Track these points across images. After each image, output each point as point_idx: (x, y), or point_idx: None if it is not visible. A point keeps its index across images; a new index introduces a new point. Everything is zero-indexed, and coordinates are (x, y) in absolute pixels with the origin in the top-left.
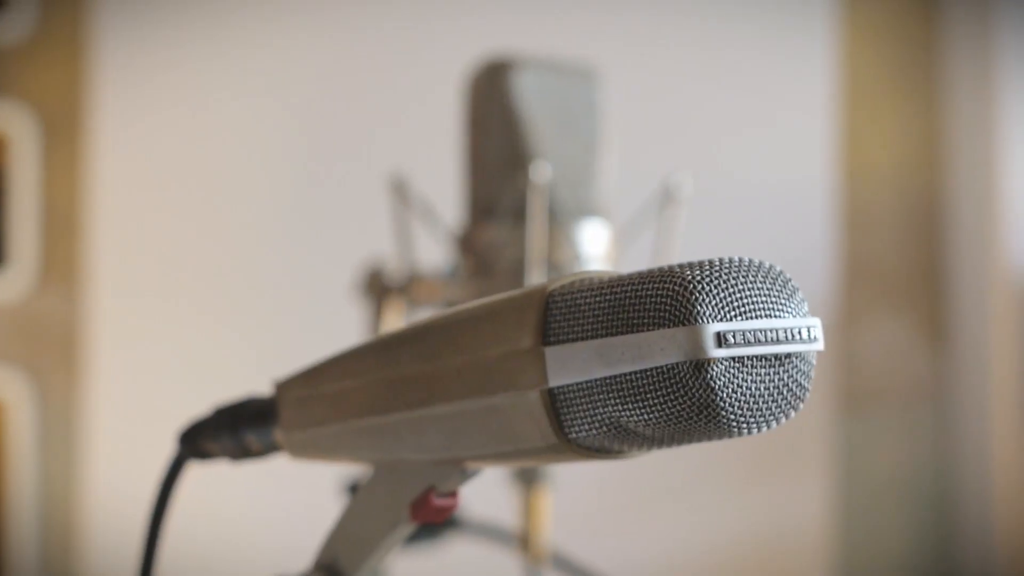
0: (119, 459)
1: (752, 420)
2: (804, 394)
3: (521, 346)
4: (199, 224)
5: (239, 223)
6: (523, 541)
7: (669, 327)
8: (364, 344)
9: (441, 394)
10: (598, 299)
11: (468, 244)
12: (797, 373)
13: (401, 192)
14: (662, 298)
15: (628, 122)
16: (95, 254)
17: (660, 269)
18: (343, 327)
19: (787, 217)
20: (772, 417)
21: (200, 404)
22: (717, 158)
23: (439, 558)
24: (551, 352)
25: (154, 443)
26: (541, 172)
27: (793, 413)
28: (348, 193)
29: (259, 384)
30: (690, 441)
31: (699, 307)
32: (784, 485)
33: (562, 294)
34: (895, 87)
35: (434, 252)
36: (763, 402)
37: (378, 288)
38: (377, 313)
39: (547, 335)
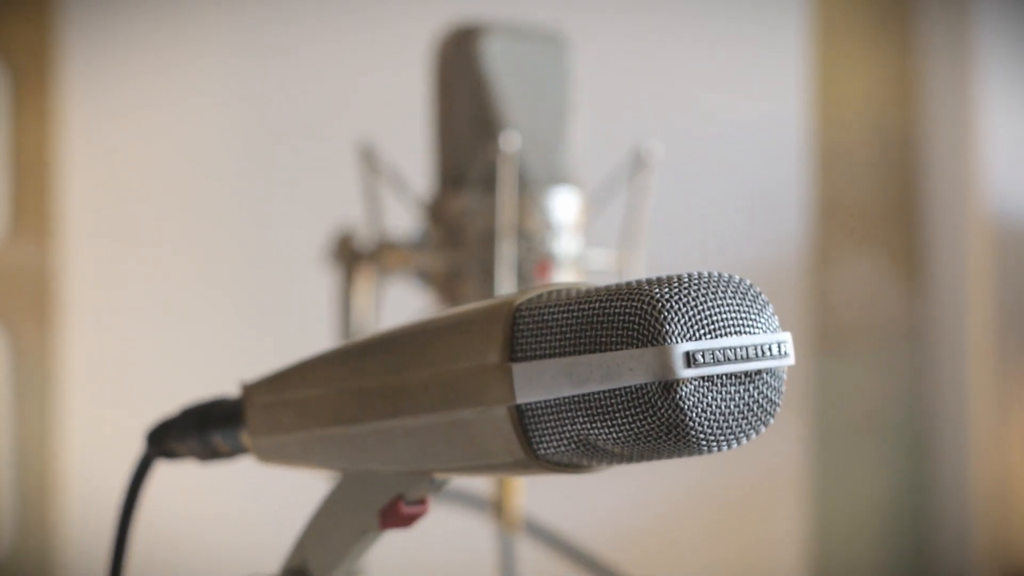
0: (94, 408)
1: (723, 437)
2: (775, 408)
3: (488, 361)
4: (170, 176)
5: (210, 177)
6: (497, 508)
7: (637, 347)
8: (331, 352)
9: (408, 407)
10: (566, 316)
11: (438, 213)
12: (767, 388)
13: (370, 160)
14: (630, 317)
15: (599, 81)
16: (66, 204)
17: (628, 286)
18: (314, 290)
19: (760, 156)
20: (743, 433)
21: (173, 352)
22: (690, 99)
23: (411, 526)
24: (519, 369)
25: (129, 393)
26: (510, 141)
27: (763, 428)
28: (317, 160)
29: (228, 333)
30: (659, 458)
31: (667, 326)
32: None
33: (530, 309)
34: (869, 25)
35: (404, 220)
36: (733, 419)
37: (348, 255)
38: (347, 280)
39: (515, 351)
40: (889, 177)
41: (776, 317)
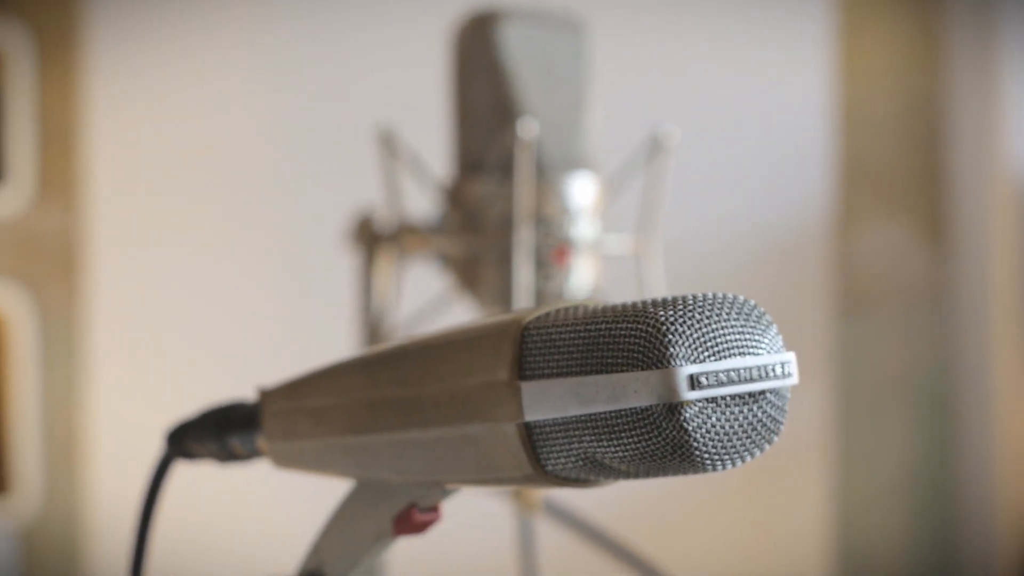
0: (120, 372)
1: (727, 456)
2: (778, 427)
3: (497, 378)
4: (194, 143)
5: (234, 146)
6: (515, 490)
7: (642, 369)
8: (347, 361)
9: (419, 420)
10: (573, 336)
11: (456, 198)
12: (771, 408)
13: (389, 144)
14: (635, 339)
15: (617, 60)
16: (92, 168)
17: (634, 307)
18: (334, 267)
19: (784, 121)
20: (747, 452)
21: (198, 316)
22: (714, 66)
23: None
24: (527, 387)
25: (154, 356)
26: (528, 127)
27: (767, 446)
28: (337, 144)
29: (251, 300)
30: (665, 475)
31: (672, 349)
32: None
33: (538, 328)
34: None
35: (423, 204)
36: (737, 439)
37: (368, 236)
38: (368, 261)
39: (523, 369)
40: (913, 141)
41: (780, 337)
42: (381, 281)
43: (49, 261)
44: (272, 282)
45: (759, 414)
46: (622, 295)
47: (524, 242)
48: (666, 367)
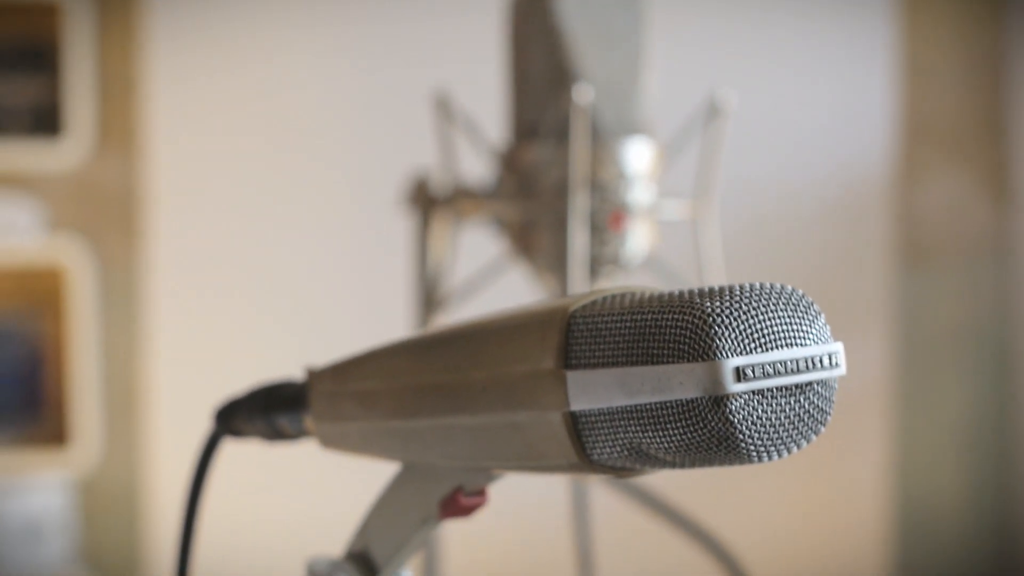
0: (179, 322)
1: (773, 448)
2: (825, 418)
3: (543, 367)
4: (254, 93)
5: (293, 102)
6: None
7: (688, 361)
8: (394, 345)
9: (466, 406)
10: (619, 325)
11: (511, 162)
12: (818, 399)
13: (444, 108)
14: (681, 331)
15: (674, 27)
16: (152, 120)
17: (681, 297)
18: (392, 232)
19: (847, 74)
20: (793, 443)
21: (256, 267)
22: (775, 22)
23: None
24: (573, 376)
25: (213, 306)
26: (583, 93)
27: (814, 437)
28: (394, 108)
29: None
30: (711, 465)
31: (718, 341)
32: (846, 336)
33: (584, 316)
34: None
35: (479, 168)
36: (784, 430)
37: (424, 199)
38: (423, 224)
39: (569, 358)
40: (977, 93)
41: (828, 327)
42: (436, 244)
43: (109, 213)
44: (330, 241)
45: (806, 405)
46: (679, 260)
47: (579, 208)
48: (712, 359)
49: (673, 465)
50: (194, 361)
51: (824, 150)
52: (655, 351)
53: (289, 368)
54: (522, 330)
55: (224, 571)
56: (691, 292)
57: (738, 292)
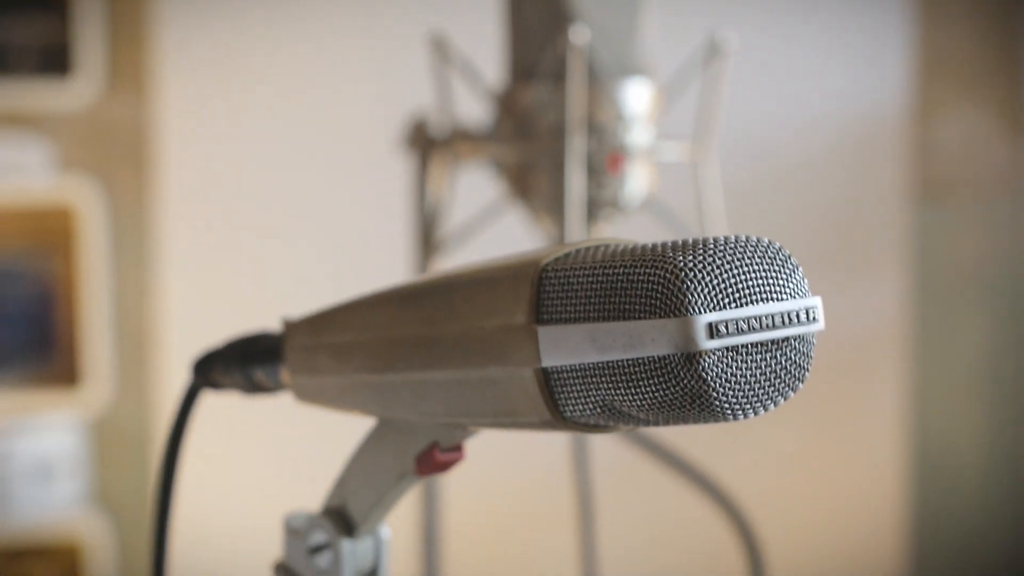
0: (190, 262)
1: (748, 405)
2: (803, 374)
3: (515, 321)
4: (263, 33)
5: (302, 39)
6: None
7: (660, 317)
8: (369, 297)
9: (439, 361)
10: (591, 279)
11: (509, 104)
12: (796, 355)
13: (441, 49)
14: (653, 286)
15: None
16: (162, 59)
17: (654, 250)
18: (389, 173)
19: (862, 8)
20: (769, 400)
21: (264, 205)
22: None
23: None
24: (544, 332)
25: (224, 245)
26: (580, 34)
27: (791, 394)
28: (389, 48)
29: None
30: (685, 423)
31: (690, 296)
32: (859, 276)
33: (556, 270)
34: None
35: (476, 110)
36: (759, 387)
37: (422, 141)
38: (422, 166)
39: (540, 312)
40: (993, 28)
41: (806, 281)
42: (434, 186)
43: (119, 152)
44: (332, 182)
45: (783, 361)
46: (678, 203)
47: (576, 150)
48: (684, 315)
49: (647, 423)
50: (205, 300)
51: (839, 86)
52: (627, 306)
53: (296, 307)
54: (494, 284)
55: (202, 525)
56: (664, 245)
57: (712, 245)
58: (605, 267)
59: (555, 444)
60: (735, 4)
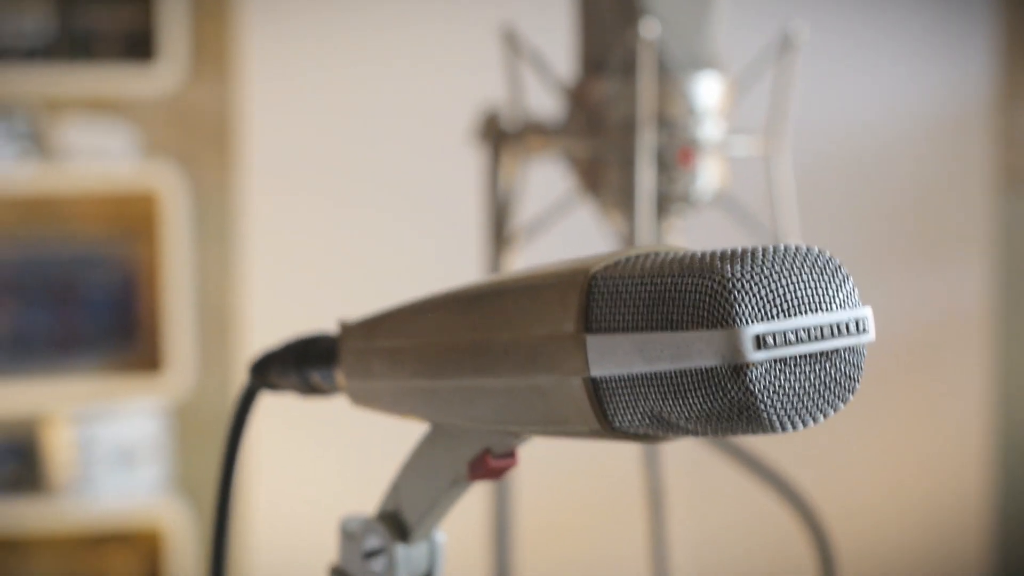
0: (272, 245)
1: (797, 418)
2: (854, 386)
3: (564, 330)
4: (346, 19)
5: (386, 31)
6: None
7: (707, 328)
8: (422, 301)
9: (489, 368)
10: (639, 289)
11: (579, 98)
12: (845, 366)
13: (512, 42)
14: (700, 297)
15: None
16: (246, 45)
17: (702, 260)
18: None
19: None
20: (819, 412)
21: (345, 195)
22: None
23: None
24: (592, 341)
25: (305, 228)
26: (650, 27)
27: (842, 405)
28: (462, 42)
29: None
30: (734, 434)
31: (737, 307)
32: (944, 265)
33: (605, 279)
34: None
35: (548, 103)
36: (808, 399)
37: (494, 133)
38: (494, 160)
39: (589, 321)
40: None
41: (857, 291)
42: (506, 179)
43: (202, 138)
44: (409, 172)
45: (832, 373)
46: (751, 197)
47: (646, 144)
48: (731, 327)
49: (696, 433)
50: (287, 286)
51: (923, 76)
52: (675, 317)
53: (372, 294)
54: (544, 291)
55: (263, 527)
56: (713, 255)
57: (760, 256)
58: (654, 276)
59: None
60: None
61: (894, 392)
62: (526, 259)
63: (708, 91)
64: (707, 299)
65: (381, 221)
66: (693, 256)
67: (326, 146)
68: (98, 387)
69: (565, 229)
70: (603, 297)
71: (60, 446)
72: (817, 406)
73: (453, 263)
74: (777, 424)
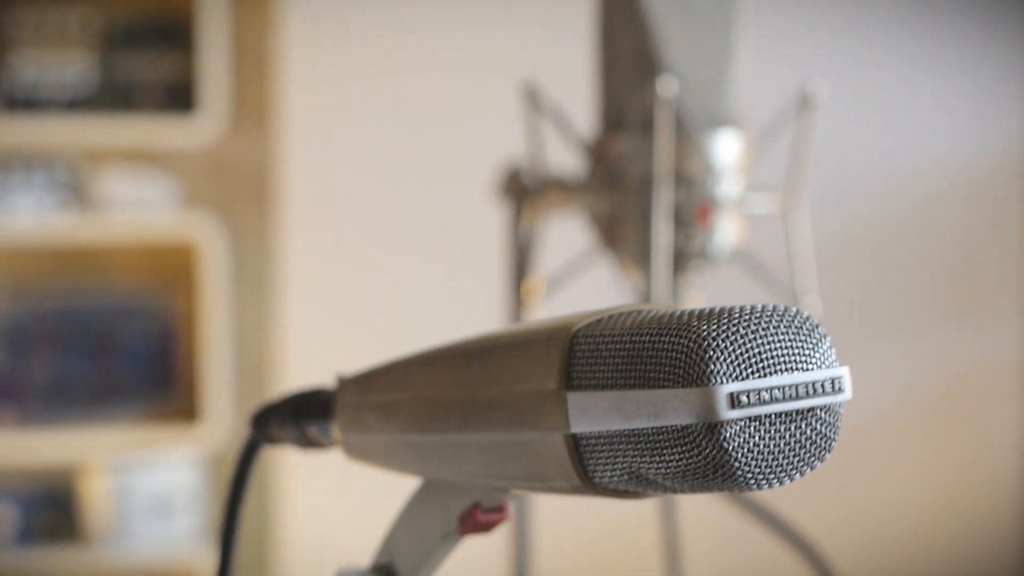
0: (310, 297)
1: (772, 476)
2: (830, 444)
3: (546, 387)
4: (384, 73)
5: (420, 82)
6: None
7: (682, 386)
8: (413, 356)
9: (475, 423)
10: (619, 347)
11: (599, 154)
12: (821, 425)
13: (533, 99)
14: (676, 355)
15: (769, 16)
16: (286, 98)
17: (680, 318)
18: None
19: (982, 49)
20: (795, 470)
21: (385, 247)
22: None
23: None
24: (573, 398)
25: (344, 280)
26: (668, 85)
27: (818, 464)
28: (482, 97)
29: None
30: (711, 491)
31: (712, 366)
32: (979, 318)
33: (587, 336)
34: None
35: (569, 159)
36: (784, 458)
37: (517, 189)
38: (516, 214)
39: (571, 378)
40: None
41: (833, 351)
42: (525, 234)
43: (242, 189)
44: (444, 223)
45: (808, 432)
46: (769, 255)
47: (663, 202)
48: (705, 385)
49: (674, 490)
50: (325, 338)
51: (961, 129)
52: (652, 375)
53: (406, 349)
54: (528, 348)
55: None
56: (691, 314)
57: (737, 315)
58: (633, 335)
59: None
60: (856, 48)
61: (931, 442)
62: (546, 313)
63: (727, 148)
64: (682, 357)
65: (418, 272)
66: (672, 315)
67: (364, 198)
68: (135, 437)
69: (585, 284)
70: (584, 355)
71: (97, 495)
72: (793, 465)
73: (479, 318)
74: (752, 482)
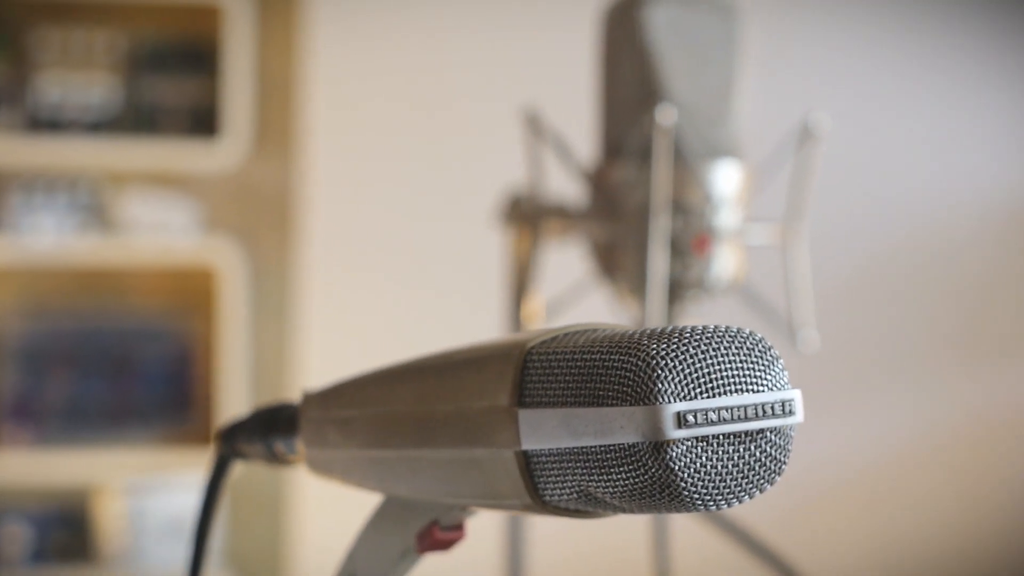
0: (332, 323)
1: (720, 498)
2: (780, 467)
3: (499, 403)
4: (409, 99)
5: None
6: None
7: (629, 405)
8: (375, 372)
9: (430, 439)
10: (570, 364)
11: (598, 182)
12: (771, 447)
13: (534, 126)
14: (624, 373)
15: (772, 47)
16: (309, 123)
17: (630, 337)
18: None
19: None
20: (743, 492)
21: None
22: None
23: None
24: (524, 415)
25: (366, 308)
26: (666, 114)
27: (768, 486)
28: (483, 125)
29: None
30: (659, 512)
31: (660, 385)
32: (995, 363)
33: (540, 353)
34: None
35: (571, 186)
36: (731, 479)
37: (518, 216)
38: (517, 241)
39: (523, 395)
40: None
41: (786, 373)
42: (524, 260)
43: (264, 215)
44: (458, 249)
45: (757, 454)
46: (767, 286)
47: (660, 231)
48: (652, 403)
49: (624, 510)
50: (345, 363)
51: (985, 168)
52: (600, 393)
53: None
54: (483, 364)
55: None
56: (642, 333)
57: (687, 334)
58: (584, 353)
59: (635, 517)
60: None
61: (951, 482)
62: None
63: (726, 179)
64: (630, 376)
65: (432, 298)
66: (624, 334)
67: (385, 225)
68: (151, 459)
69: (585, 310)
70: (537, 372)
71: (111, 516)
72: (741, 487)
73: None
74: (700, 503)
